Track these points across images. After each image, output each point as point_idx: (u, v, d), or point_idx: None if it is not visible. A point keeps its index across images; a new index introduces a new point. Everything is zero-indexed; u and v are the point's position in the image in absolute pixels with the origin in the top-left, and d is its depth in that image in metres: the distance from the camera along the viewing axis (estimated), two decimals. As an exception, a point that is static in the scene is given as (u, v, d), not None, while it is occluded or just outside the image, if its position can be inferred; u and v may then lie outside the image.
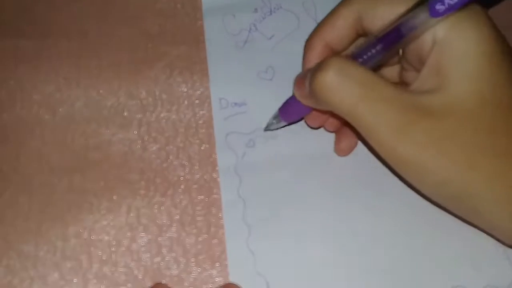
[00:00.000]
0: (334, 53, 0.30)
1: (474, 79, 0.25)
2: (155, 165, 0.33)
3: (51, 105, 0.34)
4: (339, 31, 0.29)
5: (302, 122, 0.35)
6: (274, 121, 0.33)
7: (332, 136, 0.34)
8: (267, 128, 0.34)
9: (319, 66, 0.26)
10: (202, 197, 0.32)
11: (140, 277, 0.30)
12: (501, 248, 0.31)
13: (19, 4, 0.38)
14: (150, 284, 0.30)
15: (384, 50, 0.27)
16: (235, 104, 0.36)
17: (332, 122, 0.33)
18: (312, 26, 0.39)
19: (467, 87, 0.25)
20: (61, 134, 0.34)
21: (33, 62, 0.36)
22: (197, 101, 0.35)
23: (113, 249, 0.30)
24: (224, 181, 0.33)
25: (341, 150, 0.33)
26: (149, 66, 0.36)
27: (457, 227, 0.31)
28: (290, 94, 0.35)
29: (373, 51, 0.27)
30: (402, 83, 0.30)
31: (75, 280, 0.29)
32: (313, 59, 0.30)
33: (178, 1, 0.39)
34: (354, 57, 0.27)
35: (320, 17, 0.39)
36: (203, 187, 0.32)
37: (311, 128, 0.34)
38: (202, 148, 0.34)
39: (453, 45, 0.25)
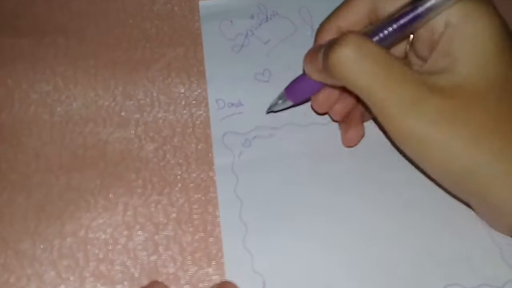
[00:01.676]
0: None
1: (482, 62, 0.26)
2: (152, 164, 0.33)
3: (48, 104, 0.35)
4: (354, 17, 0.30)
5: (300, 121, 0.35)
6: (279, 101, 0.33)
7: (329, 135, 0.35)
8: (270, 110, 0.34)
9: (337, 41, 0.27)
10: (198, 195, 0.32)
11: (136, 275, 0.30)
12: (496, 247, 0.31)
13: (17, 3, 0.38)
14: (146, 282, 0.30)
15: (399, 30, 0.27)
16: (232, 104, 0.36)
17: (338, 109, 0.33)
18: (308, 32, 0.40)
19: (476, 69, 0.26)
20: (58, 133, 0.34)
21: (31, 61, 0.36)
22: (194, 102, 0.36)
23: (109, 247, 0.30)
24: (220, 180, 0.33)
25: (349, 140, 0.34)
26: (147, 67, 0.37)
27: (453, 225, 0.31)
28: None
29: (389, 30, 0.27)
30: None
31: (71, 278, 0.29)
32: (326, 40, 0.30)
33: (176, 4, 0.40)
34: (369, 35, 0.28)
35: (316, 24, 0.40)
36: (200, 185, 0.33)
37: (317, 113, 0.34)
38: (199, 147, 0.34)
39: (465, 30, 0.26)
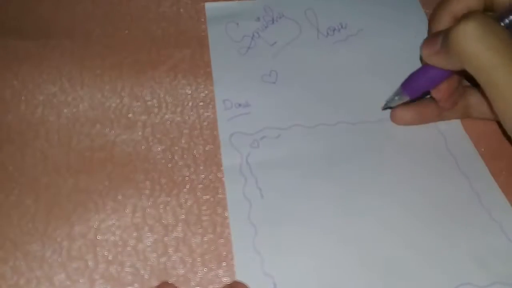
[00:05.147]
0: None
1: None
2: (160, 166, 0.33)
3: (55, 106, 0.34)
4: (469, 2, 0.29)
5: (308, 122, 0.35)
6: (396, 97, 0.33)
7: (336, 135, 0.35)
8: (386, 106, 0.33)
9: (460, 19, 0.25)
10: (207, 197, 0.32)
11: (146, 277, 0.30)
12: (509, 244, 0.31)
13: (23, 5, 0.38)
14: (156, 284, 0.29)
15: None
16: (239, 105, 0.36)
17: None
18: (313, 34, 0.40)
19: None
20: (66, 135, 0.34)
21: (37, 62, 0.36)
22: (201, 103, 0.36)
23: (119, 249, 0.30)
24: (229, 181, 0.33)
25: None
26: (153, 68, 0.37)
27: (465, 224, 0.31)
28: (294, 95, 0.35)
29: None
30: None
31: (81, 281, 0.29)
32: (440, 29, 0.29)
33: (182, 6, 0.40)
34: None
35: (321, 26, 0.40)
36: (208, 187, 0.32)
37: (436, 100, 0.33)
38: (207, 148, 0.34)
39: None
